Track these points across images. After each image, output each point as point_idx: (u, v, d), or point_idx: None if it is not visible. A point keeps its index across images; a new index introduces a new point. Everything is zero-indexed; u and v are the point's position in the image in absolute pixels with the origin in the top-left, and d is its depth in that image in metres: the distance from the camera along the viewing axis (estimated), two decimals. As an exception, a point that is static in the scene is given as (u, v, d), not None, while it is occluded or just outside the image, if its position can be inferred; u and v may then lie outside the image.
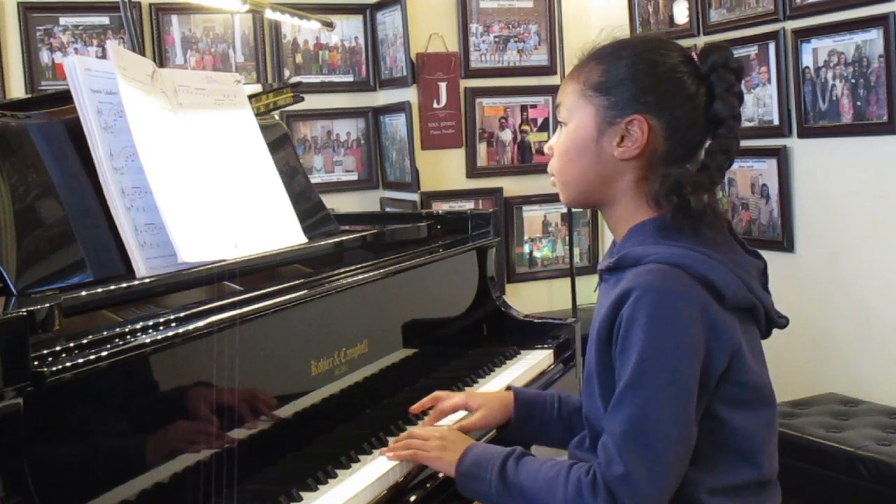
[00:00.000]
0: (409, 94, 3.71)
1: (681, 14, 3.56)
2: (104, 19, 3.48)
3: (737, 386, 1.29)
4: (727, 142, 1.33)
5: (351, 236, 2.01)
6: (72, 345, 1.18)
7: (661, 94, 1.33)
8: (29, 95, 3.26)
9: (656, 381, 1.23)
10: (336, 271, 1.75)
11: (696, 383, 1.25)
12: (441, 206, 3.67)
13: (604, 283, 1.39)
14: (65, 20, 3.45)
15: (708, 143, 1.35)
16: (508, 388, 1.74)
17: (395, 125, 3.80)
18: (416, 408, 1.68)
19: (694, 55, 1.37)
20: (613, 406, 1.26)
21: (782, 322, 1.39)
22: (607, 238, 3.84)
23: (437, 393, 1.69)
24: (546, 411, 1.63)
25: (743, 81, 1.38)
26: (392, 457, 1.50)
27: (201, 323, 1.36)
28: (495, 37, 3.85)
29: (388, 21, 3.77)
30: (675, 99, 1.33)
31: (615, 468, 1.23)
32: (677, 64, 1.34)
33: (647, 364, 1.23)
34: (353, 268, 1.80)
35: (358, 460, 1.51)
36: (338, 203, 3.10)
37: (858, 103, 2.89)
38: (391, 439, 1.60)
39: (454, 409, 1.66)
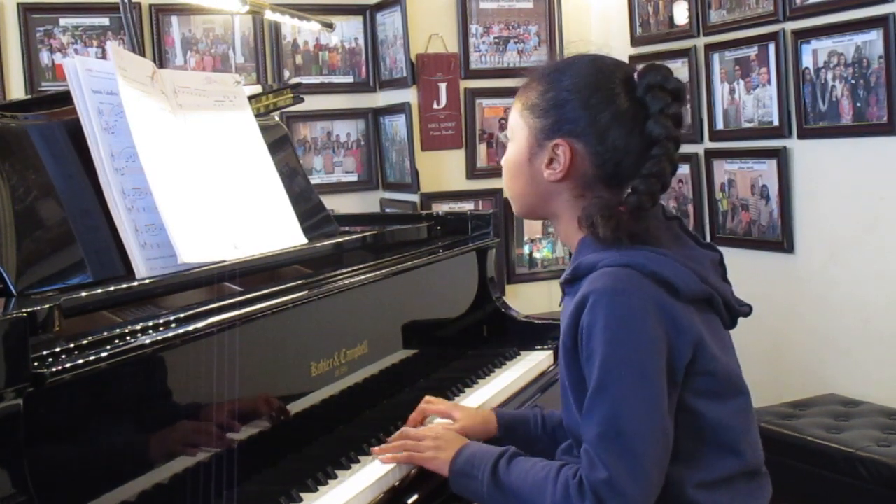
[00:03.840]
0: (409, 95, 3.71)
1: (681, 15, 3.56)
2: (104, 20, 3.48)
3: (705, 376, 1.30)
4: (660, 165, 1.32)
5: (351, 237, 2.01)
6: (72, 346, 1.18)
7: (592, 119, 1.33)
8: (29, 96, 3.26)
9: (622, 381, 1.24)
10: (336, 272, 1.75)
11: (664, 378, 1.26)
12: (441, 207, 3.66)
13: (566, 296, 1.41)
14: (65, 21, 3.45)
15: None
16: (492, 410, 1.74)
17: (395, 126, 3.80)
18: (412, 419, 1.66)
19: (635, 75, 1.36)
20: (586, 412, 1.28)
21: (745, 310, 1.41)
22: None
23: (427, 397, 1.70)
24: (529, 430, 1.64)
25: (683, 103, 1.37)
26: (386, 459, 1.50)
27: (201, 324, 1.36)
28: (495, 38, 3.85)
29: (388, 22, 3.77)
30: (607, 123, 1.33)
31: (598, 473, 1.24)
32: (614, 87, 1.34)
33: (610, 366, 1.24)
34: (352, 269, 1.80)
35: (358, 461, 1.51)
36: (337, 204, 3.10)
37: (858, 104, 2.89)
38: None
39: (438, 414, 1.67)
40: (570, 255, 1.43)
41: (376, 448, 1.53)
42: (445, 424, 1.61)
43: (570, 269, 1.37)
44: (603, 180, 1.35)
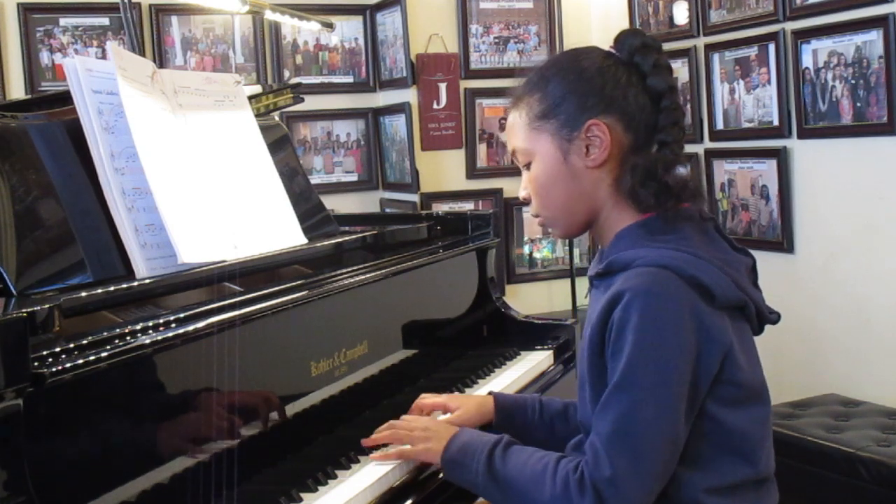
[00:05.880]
0: (409, 95, 3.71)
1: (681, 15, 3.56)
2: (104, 20, 3.48)
3: (730, 385, 1.29)
4: (674, 113, 1.37)
5: (351, 237, 2.01)
6: (72, 346, 1.18)
7: (600, 93, 1.36)
8: (29, 96, 3.26)
9: (644, 383, 1.23)
10: (336, 272, 1.75)
11: (686, 385, 1.25)
12: (441, 207, 3.66)
13: (594, 289, 1.40)
14: (65, 21, 3.45)
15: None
16: (490, 393, 1.74)
17: (395, 126, 3.80)
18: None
19: (611, 49, 1.41)
20: (602, 406, 1.27)
21: (774, 318, 1.40)
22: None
23: (422, 395, 1.70)
24: (527, 415, 1.63)
25: (664, 55, 1.42)
26: (377, 457, 1.50)
27: (201, 324, 1.36)
28: (495, 37, 3.85)
29: (388, 22, 3.77)
30: (615, 91, 1.36)
31: (603, 470, 1.23)
32: (601, 61, 1.38)
33: (635, 366, 1.24)
34: (352, 269, 1.80)
35: (358, 461, 1.51)
36: (337, 204, 3.10)
37: (858, 104, 2.89)
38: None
39: (433, 408, 1.66)
40: (594, 249, 1.42)
41: (375, 451, 1.53)
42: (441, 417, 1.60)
43: (603, 262, 1.35)
44: (636, 146, 1.36)
